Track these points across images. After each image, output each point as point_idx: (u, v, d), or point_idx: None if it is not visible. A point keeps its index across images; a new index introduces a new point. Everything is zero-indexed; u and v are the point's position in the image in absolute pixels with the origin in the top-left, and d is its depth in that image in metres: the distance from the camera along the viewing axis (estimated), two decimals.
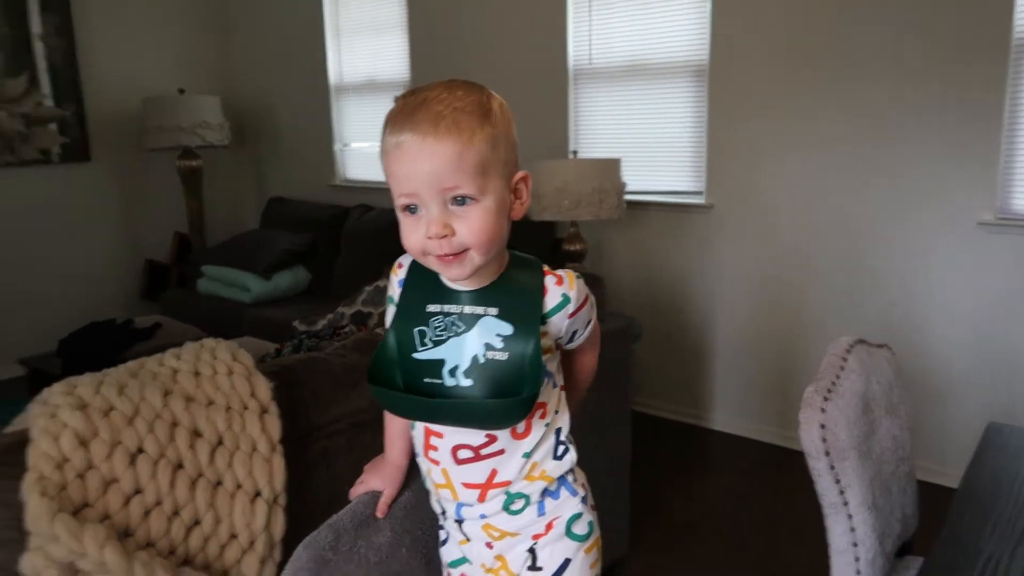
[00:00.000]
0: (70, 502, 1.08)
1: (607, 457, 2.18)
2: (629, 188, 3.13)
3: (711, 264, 3.24)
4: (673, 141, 3.24)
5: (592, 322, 1.00)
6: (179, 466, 1.19)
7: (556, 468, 0.97)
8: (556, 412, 0.98)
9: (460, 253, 0.85)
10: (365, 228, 4.17)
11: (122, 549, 1.07)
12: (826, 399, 1.26)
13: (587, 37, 3.41)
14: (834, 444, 1.25)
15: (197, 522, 1.18)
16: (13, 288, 4.24)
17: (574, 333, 0.97)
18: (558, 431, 0.99)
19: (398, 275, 0.94)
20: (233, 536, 1.20)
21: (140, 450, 1.17)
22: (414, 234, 0.86)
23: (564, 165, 2.90)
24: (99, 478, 1.12)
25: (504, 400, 0.88)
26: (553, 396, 0.97)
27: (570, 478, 1.00)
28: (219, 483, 1.22)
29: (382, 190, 4.24)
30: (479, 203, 0.84)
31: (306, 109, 4.76)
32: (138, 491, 1.14)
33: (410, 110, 0.83)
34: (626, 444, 2.26)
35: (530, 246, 3.43)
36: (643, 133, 3.30)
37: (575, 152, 3.22)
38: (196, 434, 1.23)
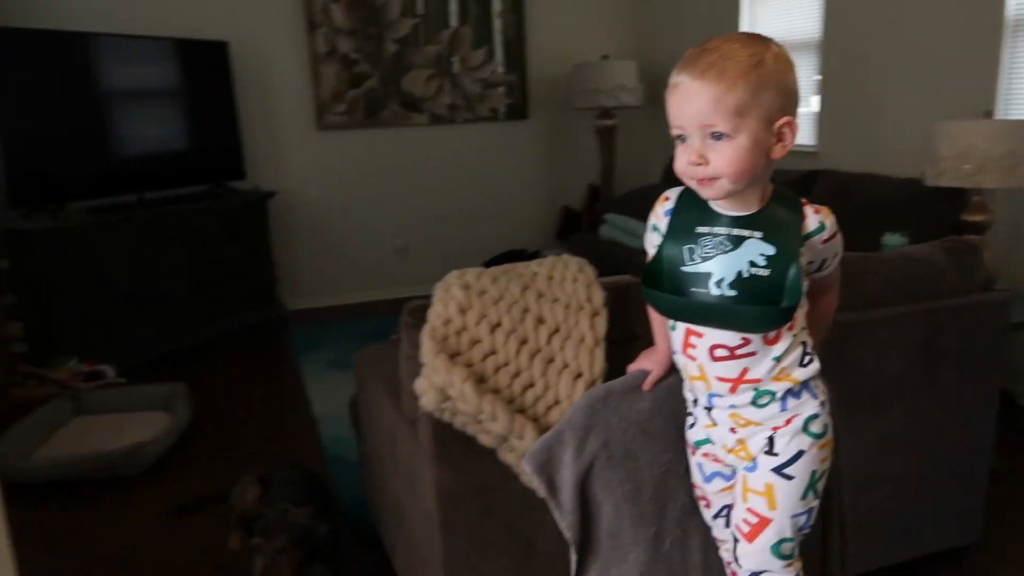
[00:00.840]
0: (448, 349, 1.50)
1: (962, 436, 2.03)
2: None
3: None
4: None
5: (838, 257, 1.06)
6: (524, 341, 1.54)
7: (802, 374, 1.07)
8: (803, 328, 1.07)
9: (712, 179, 1.00)
10: None
11: (477, 388, 1.46)
12: None
13: None
14: None
15: (532, 384, 1.52)
16: (458, 218, 5.26)
17: (823, 262, 1.05)
18: (804, 343, 1.08)
19: (664, 206, 1.12)
20: (557, 402, 1.52)
21: (499, 324, 1.55)
22: (680, 159, 1.03)
23: (972, 126, 2.63)
24: (468, 338, 1.52)
25: (766, 307, 1.02)
26: (801, 314, 1.07)
27: (813, 383, 1.09)
28: (551, 360, 1.54)
29: (795, 153, 4.25)
30: (733, 140, 0.98)
31: None
32: (493, 352, 1.52)
33: (692, 58, 1.00)
34: (988, 429, 2.06)
35: (927, 213, 3.18)
36: None
37: (989, 112, 2.87)
38: (540, 320, 1.57)
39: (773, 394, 1.07)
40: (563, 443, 1.15)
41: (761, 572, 1.08)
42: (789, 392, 1.07)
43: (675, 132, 1.03)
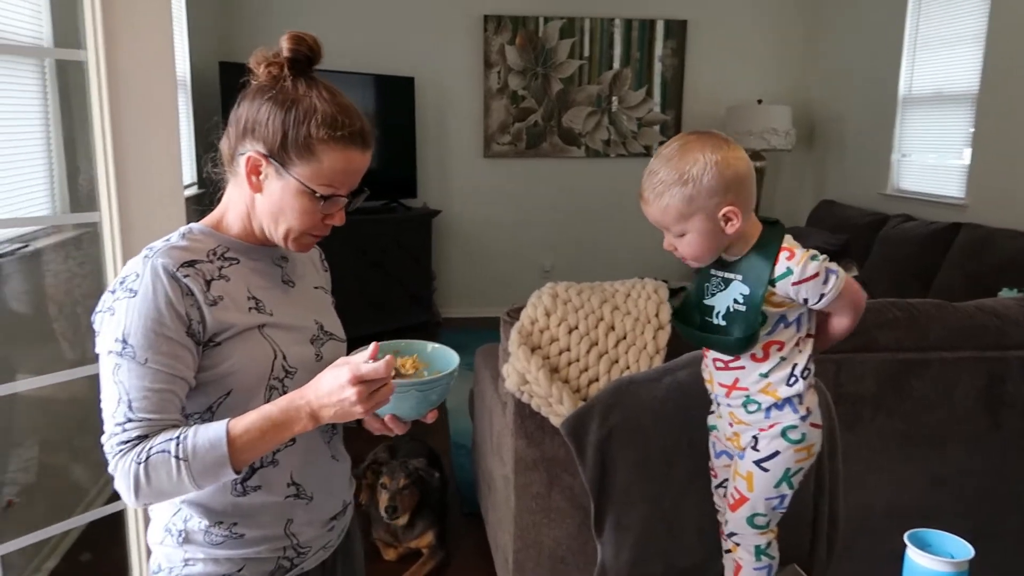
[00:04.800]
0: (531, 343, 1.86)
1: None
2: None
3: None
4: None
5: (828, 295, 1.25)
6: (595, 344, 1.87)
7: (785, 391, 1.31)
8: (797, 350, 1.31)
9: (684, 258, 1.30)
10: (899, 235, 4.23)
11: (548, 376, 1.80)
12: None
13: None
14: None
15: (596, 380, 1.84)
16: (603, 246, 5.60)
17: (807, 299, 1.27)
18: (794, 366, 1.31)
19: None
20: None
21: (576, 327, 1.88)
22: (665, 245, 1.32)
23: None
24: (548, 336, 1.87)
25: (727, 338, 1.29)
26: (791, 338, 1.30)
27: (796, 401, 1.32)
28: (616, 361, 1.85)
29: (930, 203, 4.24)
30: (686, 235, 1.26)
31: (871, 118, 4.94)
32: (568, 350, 1.86)
33: (645, 181, 1.28)
34: None
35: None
36: None
37: None
38: (611, 328, 1.89)
39: (759, 404, 1.33)
40: (592, 415, 1.46)
41: (737, 534, 1.34)
42: (773, 405, 1.32)
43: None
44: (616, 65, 5.46)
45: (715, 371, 1.37)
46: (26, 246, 2.19)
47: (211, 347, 1.00)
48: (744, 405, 1.34)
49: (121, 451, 0.93)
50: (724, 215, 1.24)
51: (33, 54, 2.55)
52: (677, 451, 1.45)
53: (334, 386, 0.95)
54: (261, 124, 1.01)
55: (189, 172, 4.05)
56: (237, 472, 0.95)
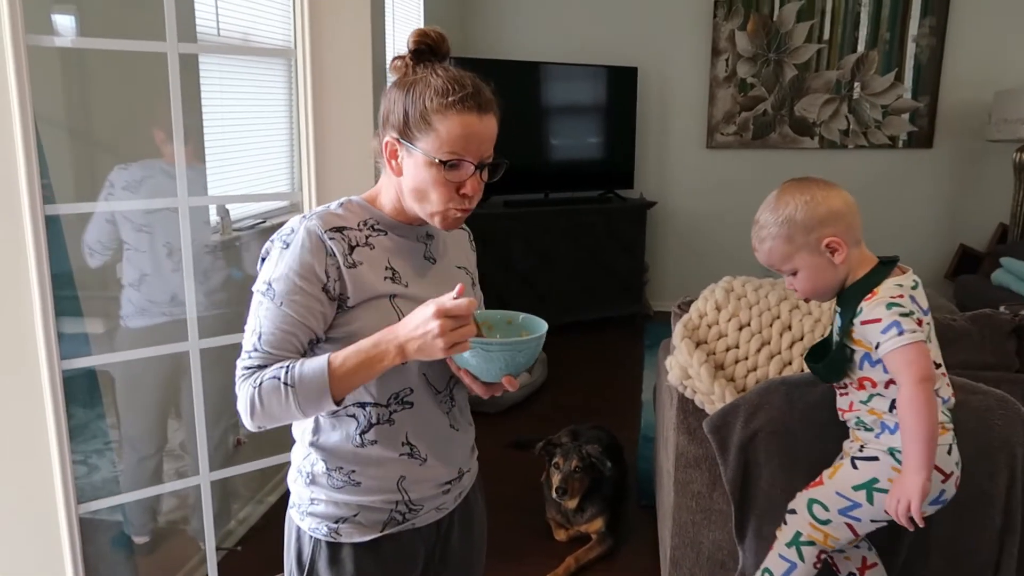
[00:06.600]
0: (695, 337, 1.80)
1: None
2: None
3: None
4: None
5: (884, 346, 1.20)
6: (766, 343, 1.76)
7: (890, 418, 1.27)
8: (895, 387, 1.25)
9: (804, 297, 1.33)
10: None
11: (711, 372, 1.74)
12: None
13: None
14: None
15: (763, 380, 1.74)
16: None
17: (871, 343, 1.23)
18: (893, 400, 1.26)
19: None
20: None
21: (747, 324, 1.79)
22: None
23: None
24: (716, 331, 1.80)
25: (818, 365, 1.33)
26: (882, 379, 1.26)
27: None
28: (788, 363, 1.73)
29: None
30: (797, 272, 1.30)
31: None
32: (736, 347, 1.77)
33: (752, 232, 1.38)
34: None
35: None
36: None
37: None
38: (787, 327, 1.77)
39: (868, 425, 1.32)
40: (736, 414, 1.39)
41: (795, 512, 1.36)
42: (884, 428, 1.30)
43: None
44: (860, 48, 5.00)
45: (837, 397, 1.36)
46: (263, 221, 2.53)
47: (344, 309, 1.09)
48: (857, 425, 1.35)
49: (243, 375, 1.05)
50: (828, 246, 1.29)
51: (248, 52, 2.91)
52: (827, 463, 1.34)
53: (419, 320, 0.99)
54: (390, 111, 1.10)
55: None
56: (336, 402, 1.03)
